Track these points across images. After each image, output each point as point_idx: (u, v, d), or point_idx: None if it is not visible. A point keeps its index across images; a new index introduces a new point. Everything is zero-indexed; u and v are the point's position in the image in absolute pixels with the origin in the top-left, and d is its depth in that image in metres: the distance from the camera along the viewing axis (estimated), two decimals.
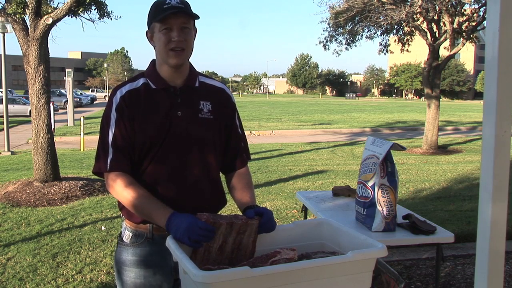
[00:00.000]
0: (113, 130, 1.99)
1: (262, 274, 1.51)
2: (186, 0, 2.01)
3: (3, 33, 13.96)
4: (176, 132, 2.01)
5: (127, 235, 2.12)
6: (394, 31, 16.21)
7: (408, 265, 4.85)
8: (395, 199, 3.02)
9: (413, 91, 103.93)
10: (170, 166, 2.02)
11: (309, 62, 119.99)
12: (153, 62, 2.11)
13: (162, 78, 2.06)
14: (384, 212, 2.97)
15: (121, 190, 1.94)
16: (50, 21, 7.94)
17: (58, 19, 8.07)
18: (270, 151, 13.97)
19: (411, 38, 16.24)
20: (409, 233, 3.03)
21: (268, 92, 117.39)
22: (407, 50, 16.25)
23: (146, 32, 2.06)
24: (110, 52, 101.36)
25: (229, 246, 1.82)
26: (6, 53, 14.70)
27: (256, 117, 29.96)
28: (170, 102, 2.03)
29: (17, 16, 8.05)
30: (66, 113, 25.05)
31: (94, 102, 52.15)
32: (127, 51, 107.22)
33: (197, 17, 2.00)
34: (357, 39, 16.09)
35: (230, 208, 3.96)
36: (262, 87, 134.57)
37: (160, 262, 2.08)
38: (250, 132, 21.22)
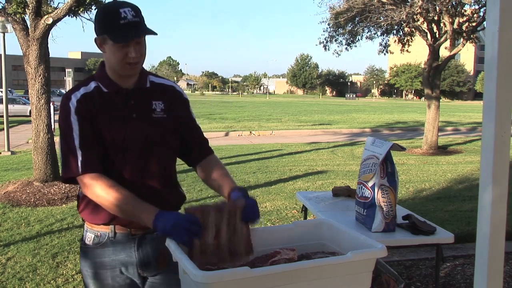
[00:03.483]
0: (78, 133, 1.95)
1: (262, 274, 1.51)
2: (137, 7, 1.98)
3: (3, 33, 13.95)
4: (133, 134, 2.00)
5: (89, 238, 2.10)
6: (394, 31, 16.22)
7: (408, 266, 4.85)
8: (395, 200, 3.02)
9: (413, 92, 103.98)
10: (130, 168, 2.02)
11: (309, 62, 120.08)
12: (102, 64, 2.08)
13: (113, 81, 2.04)
14: (384, 213, 2.97)
15: (104, 192, 1.90)
16: (50, 21, 7.94)
17: (58, 19, 8.07)
18: (270, 151, 13.97)
19: (411, 39, 16.24)
20: (409, 233, 3.03)
21: (268, 93, 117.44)
22: (407, 50, 16.25)
23: (95, 39, 2.00)
24: None
25: (224, 233, 1.80)
26: (6, 53, 14.70)
27: (256, 117, 29.95)
28: (124, 105, 2.02)
29: (18, 16, 8.05)
30: None
31: None
32: None
33: (154, 33, 1.97)
34: (357, 39, 16.10)
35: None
36: (262, 88, 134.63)
37: (126, 260, 2.08)
38: (250, 132, 21.22)
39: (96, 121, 1.97)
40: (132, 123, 2.00)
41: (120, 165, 2.01)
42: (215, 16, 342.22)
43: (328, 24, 15.84)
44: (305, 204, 3.90)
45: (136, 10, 1.94)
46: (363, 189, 3.09)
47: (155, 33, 1.96)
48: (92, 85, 2.04)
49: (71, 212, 6.76)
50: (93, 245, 2.09)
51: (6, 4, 8.41)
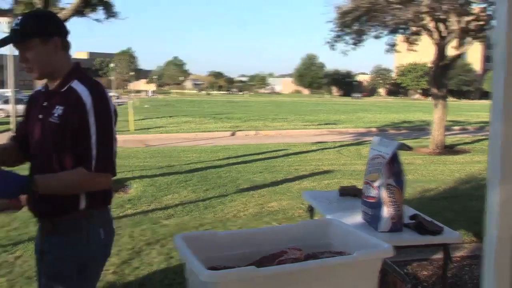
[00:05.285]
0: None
1: (268, 273, 1.51)
2: (31, 17, 2.17)
3: None
4: (32, 134, 2.17)
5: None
6: (401, 30, 16.14)
7: (414, 266, 4.83)
8: (402, 199, 3.01)
9: (420, 91, 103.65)
10: (32, 164, 2.23)
11: (316, 62, 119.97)
12: None
13: (47, 83, 2.20)
14: (391, 212, 2.96)
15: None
16: None
17: (65, 19, 8.09)
18: (276, 151, 13.96)
19: (418, 38, 16.17)
20: (416, 233, 3.02)
21: (275, 92, 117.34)
22: (414, 49, 16.18)
23: None
24: (117, 52, 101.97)
25: None
26: (13, 54, 14.75)
27: (262, 117, 29.93)
28: (39, 105, 2.17)
29: None
30: None
31: None
32: (134, 51, 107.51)
33: (20, 40, 2.08)
34: (363, 38, 16.04)
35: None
36: (268, 87, 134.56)
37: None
38: (256, 132, 21.21)
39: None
40: (35, 123, 2.15)
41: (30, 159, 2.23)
42: (221, 16, 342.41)
43: (335, 24, 15.79)
44: (312, 203, 3.89)
45: (24, 19, 2.09)
46: (370, 188, 3.08)
47: (10, 42, 2.09)
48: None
49: None
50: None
51: (14, 5, 8.45)
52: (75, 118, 2.02)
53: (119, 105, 43.80)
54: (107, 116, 2.07)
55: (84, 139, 2.02)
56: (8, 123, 18.45)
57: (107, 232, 2.17)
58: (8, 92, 24.06)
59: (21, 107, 30.06)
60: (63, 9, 8.54)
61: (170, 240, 5.41)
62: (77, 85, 2.09)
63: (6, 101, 31.50)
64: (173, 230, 5.79)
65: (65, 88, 2.11)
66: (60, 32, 2.13)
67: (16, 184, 1.94)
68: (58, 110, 2.06)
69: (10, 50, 14.39)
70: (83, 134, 2.01)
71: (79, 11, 8.67)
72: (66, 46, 2.16)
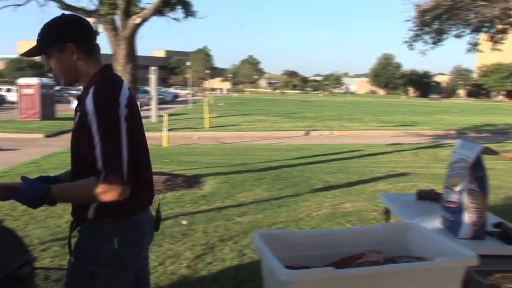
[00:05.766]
0: None
1: (346, 275, 1.49)
2: (44, 26, 2.10)
3: None
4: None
5: None
6: (485, 29, 15.46)
7: (498, 277, 4.61)
8: (485, 206, 2.87)
9: (504, 92, 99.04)
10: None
11: (392, 61, 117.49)
12: None
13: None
14: (473, 219, 2.84)
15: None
16: (138, 20, 8.23)
17: (146, 19, 8.34)
18: (351, 151, 13.78)
19: (504, 36, 15.42)
20: (500, 242, 2.87)
21: (349, 92, 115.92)
22: (499, 49, 15.46)
23: None
24: (193, 51, 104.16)
25: None
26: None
27: (337, 117, 29.65)
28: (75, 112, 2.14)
29: (109, 16, 8.41)
30: (150, 109, 25.86)
31: (177, 99, 54.24)
32: (210, 50, 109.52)
33: (38, 52, 2.10)
34: (444, 38, 15.51)
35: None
36: (343, 87, 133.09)
37: None
38: (331, 132, 21.05)
39: None
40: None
41: None
42: (297, 15, 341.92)
43: (414, 23, 15.37)
44: (388, 206, 3.80)
45: (41, 29, 2.10)
46: (450, 193, 2.97)
47: (33, 54, 2.09)
48: None
49: (153, 206, 6.96)
50: None
51: (99, 6, 8.80)
52: (84, 127, 1.97)
53: (194, 102, 44.82)
54: (110, 122, 1.94)
55: (91, 149, 1.94)
56: None
57: (124, 243, 2.04)
58: None
59: None
60: (143, 8, 8.80)
61: (243, 237, 5.46)
62: (91, 91, 2.03)
63: None
64: (246, 228, 5.84)
65: (87, 93, 2.04)
66: (75, 38, 2.05)
67: (37, 195, 1.93)
68: (77, 118, 2.06)
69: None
70: (91, 144, 1.94)
71: (159, 11, 8.91)
72: (88, 50, 2.08)
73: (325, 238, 1.92)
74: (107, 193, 1.91)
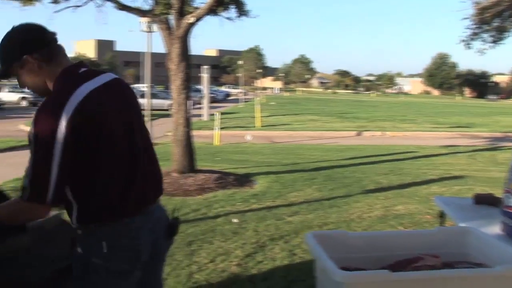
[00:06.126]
0: None
1: (403, 278, 1.45)
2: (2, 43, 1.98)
3: (150, 33, 14.95)
4: None
5: None
6: None
7: None
8: None
9: None
10: None
11: (447, 61, 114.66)
12: None
13: None
14: None
15: None
16: (192, 20, 8.32)
17: (200, 18, 8.43)
18: (403, 153, 13.53)
19: None
20: None
21: (402, 92, 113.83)
22: None
23: None
24: (245, 50, 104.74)
25: None
26: (150, 51, 15.74)
27: (390, 118, 29.18)
28: None
29: (163, 16, 8.56)
30: (201, 108, 26.15)
31: (228, 98, 54.82)
32: (262, 49, 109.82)
33: (2, 76, 2.04)
34: (505, 36, 14.98)
35: None
36: (396, 87, 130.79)
37: None
38: (383, 132, 20.75)
39: None
40: None
41: None
42: (348, 15, 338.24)
43: (472, 21, 14.92)
44: (444, 209, 3.70)
45: None
46: (511, 198, 2.86)
47: (2, 77, 2.07)
48: None
49: (205, 203, 7.04)
50: None
51: (154, 6, 8.97)
52: (29, 144, 1.86)
53: (245, 101, 45.04)
54: (42, 142, 1.78)
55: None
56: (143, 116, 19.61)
57: (113, 247, 1.94)
58: (144, 86, 25.68)
59: (155, 101, 31.99)
60: (197, 8, 8.90)
61: (294, 237, 5.44)
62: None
63: (142, 95, 33.66)
64: (297, 227, 5.81)
65: None
66: (28, 49, 1.93)
67: None
68: None
69: (147, 48, 15.38)
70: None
71: (212, 10, 8.99)
72: (48, 56, 1.95)
73: (380, 240, 1.89)
74: (26, 211, 1.87)
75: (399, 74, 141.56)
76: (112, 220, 1.95)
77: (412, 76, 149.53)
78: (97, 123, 1.86)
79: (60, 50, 2.01)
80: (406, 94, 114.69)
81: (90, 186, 1.93)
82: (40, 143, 1.77)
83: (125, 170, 1.97)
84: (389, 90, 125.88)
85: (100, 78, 1.99)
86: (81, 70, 2.00)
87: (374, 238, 1.95)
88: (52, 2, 9.25)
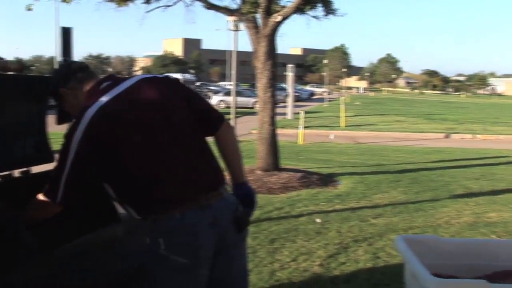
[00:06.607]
0: None
1: None
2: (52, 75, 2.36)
3: (236, 31, 15.14)
4: None
5: None
6: None
7: None
8: None
9: None
10: None
11: None
12: None
13: None
14: None
15: None
16: (279, 18, 8.35)
17: (286, 17, 8.44)
18: (496, 157, 12.88)
19: None
20: None
21: (495, 94, 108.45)
22: None
23: None
24: (330, 49, 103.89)
25: None
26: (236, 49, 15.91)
27: (481, 120, 27.89)
28: None
29: (250, 15, 8.64)
30: (286, 106, 26.20)
31: (312, 97, 54.58)
32: (347, 48, 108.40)
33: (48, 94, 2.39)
34: None
35: None
36: (488, 88, 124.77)
37: None
38: (474, 135, 19.90)
39: None
40: None
41: None
42: (436, 13, 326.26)
43: None
44: None
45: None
46: None
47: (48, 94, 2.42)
48: None
49: (288, 202, 7.04)
50: None
51: (241, 5, 9.08)
52: None
53: (330, 101, 44.66)
54: (61, 152, 2.04)
55: None
56: (228, 113, 19.96)
57: (170, 244, 1.97)
58: (230, 84, 26.12)
59: (240, 99, 32.49)
60: (284, 7, 8.90)
61: (378, 239, 5.33)
62: None
63: (227, 93, 34.32)
64: (381, 230, 5.69)
65: None
66: (61, 83, 2.25)
67: None
68: None
69: (234, 46, 15.59)
70: None
71: (299, 9, 8.97)
72: (74, 86, 2.22)
73: (475, 248, 1.79)
74: (42, 205, 2.09)
75: (492, 74, 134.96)
76: (160, 214, 1.98)
77: (507, 76, 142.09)
78: (113, 131, 2.01)
79: (88, 75, 2.24)
80: (499, 95, 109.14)
81: (126, 186, 2.05)
82: (60, 156, 2.03)
83: (157, 165, 2.03)
84: (480, 91, 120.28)
85: (119, 87, 2.11)
86: (103, 85, 2.15)
87: (468, 245, 1.86)
88: (144, 2, 9.59)
